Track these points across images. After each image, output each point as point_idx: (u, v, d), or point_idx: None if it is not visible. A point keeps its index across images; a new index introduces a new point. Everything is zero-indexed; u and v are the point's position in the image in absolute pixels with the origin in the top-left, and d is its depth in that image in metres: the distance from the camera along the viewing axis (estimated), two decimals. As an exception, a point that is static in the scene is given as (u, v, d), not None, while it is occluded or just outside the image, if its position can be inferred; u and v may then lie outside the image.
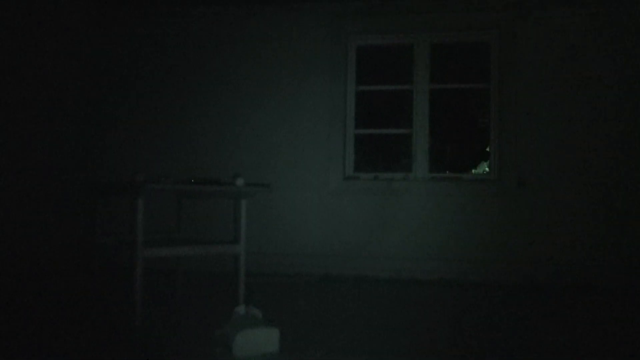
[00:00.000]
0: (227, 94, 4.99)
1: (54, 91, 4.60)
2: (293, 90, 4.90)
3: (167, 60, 5.10)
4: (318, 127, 4.84)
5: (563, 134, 4.48)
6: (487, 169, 4.52)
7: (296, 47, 4.92)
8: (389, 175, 4.78)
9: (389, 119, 4.92)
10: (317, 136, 4.84)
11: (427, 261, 4.58)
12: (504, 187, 4.53)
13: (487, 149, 4.67)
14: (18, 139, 4.18)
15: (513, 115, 4.55)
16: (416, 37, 4.82)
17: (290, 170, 4.86)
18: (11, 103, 4.11)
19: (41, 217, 4.44)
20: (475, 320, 3.05)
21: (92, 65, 5.15)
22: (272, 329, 2.31)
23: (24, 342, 2.36)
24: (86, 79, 5.07)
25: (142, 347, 2.34)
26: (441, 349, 2.42)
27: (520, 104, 4.55)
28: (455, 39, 4.81)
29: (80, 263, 4.88)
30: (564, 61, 4.51)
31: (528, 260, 4.44)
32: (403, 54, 4.89)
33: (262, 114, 4.93)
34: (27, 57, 4.27)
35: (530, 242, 4.45)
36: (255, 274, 4.70)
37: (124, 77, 5.16)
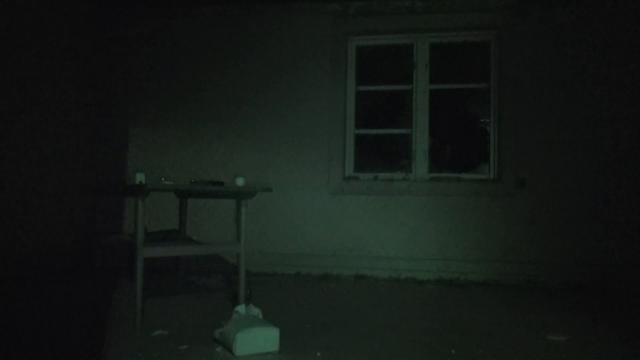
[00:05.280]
0: (227, 94, 5.00)
1: (53, 91, 4.61)
2: (293, 90, 4.91)
3: (167, 60, 5.11)
4: (318, 127, 4.85)
5: (563, 134, 4.49)
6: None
7: (296, 47, 4.93)
8: (389, 175, 4.79)
9: (389, 119, 4.92)
10: (317, 136, 4.85)
11: (426, 261, 4.59)
12: (504, 187, 4.54)
13: (487, 149, 4.68)
14: (18, 139, 4.19)
15: (513, 115, 4.56)
16: (416, 37, 4.83)
17: (290, 170, 4.87)
18: (11, 103, 4.12)
19: (41, 217, 4.45)
20: (475, 320, 3.05)
21: (92, 65, 5.16)
22: (272, 328, 2.32)
23: (24, 342, 2.37)
24: (86, 79, 5.08)
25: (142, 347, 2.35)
26: (440, 348, 2.42)
27: (519, 103, 4.56)
28: (454, 39, 4.82)
29: (80, 263, 4.89)
30: (563, 59, 4.52)
31: (527, 260, 4.45)
32: (403, 54, 4.90)
33: (262, 114, 4.94)
34: (27, 57, 4.28)
35: (529, 242, 4.46)
36: (256, 274, 4.71)
37: (124, 77, 5.17)
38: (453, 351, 2.37)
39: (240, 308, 2.49)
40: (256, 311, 2.52)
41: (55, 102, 4.62)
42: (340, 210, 4.77)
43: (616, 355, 2.39)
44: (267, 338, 2.29)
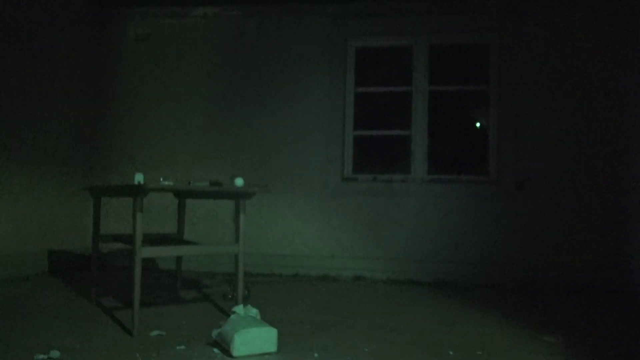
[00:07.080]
0: (226, 95, 5.00)
1: (51, 91, 4.61)
2: (293, 90, 4.91)
3: (166, 61, 5.11)
4: (318, 127, 4.86)
5: (562, 135, 4.49)
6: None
7: (296, 47, 4.93)
8: (387, 177, 4.79)
9: (388, 121, 4.93)
10: (317, 137, 4.85)
11: (425, 262, 4.59)
12: (503, 189, 4.54)
13: (487, 151, 4.68)
14: (19, 139, 4.19)
15: (512, 117, 4.57)
16: (415, 38, 4.84)
17: (289, 171, 4.87)
18: (10, 103, 4.12)
19: (42, 217, 4.45)
20: (473, 321, 3.06)
21: (92, 65, 5.16)
22: (271, 329, 2.32)
23: (24, 341, 2.37)
24: (86, 79, 5.08)
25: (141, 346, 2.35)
26: (438, 349, 2.43)
27: (519, 105, 4.57)
28: (454, 40, 4.83)
29: (80, 263, 4.89)
30: (562, 62, 4.52)
31: (527, 261, 4.46)
32: (402, 56, 4.90)
33: (261, 114, 4.94)
34: (26, 57, 4.28)
35: (528, 243, 4.47)
36: (254, 275, 4.71)
37: (124, 76, 5.17)
38: (451, 352, 2.38)
39: (238, 309, 2.49)
40: (254, 312, 2.52)
41: (54, 102, 4.62)
42: (338, 211, 4.77)
43: (613, 356, 2.39)
44: (265, 338, 2.29)
